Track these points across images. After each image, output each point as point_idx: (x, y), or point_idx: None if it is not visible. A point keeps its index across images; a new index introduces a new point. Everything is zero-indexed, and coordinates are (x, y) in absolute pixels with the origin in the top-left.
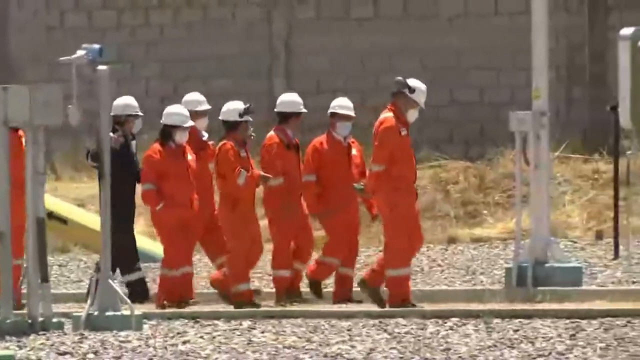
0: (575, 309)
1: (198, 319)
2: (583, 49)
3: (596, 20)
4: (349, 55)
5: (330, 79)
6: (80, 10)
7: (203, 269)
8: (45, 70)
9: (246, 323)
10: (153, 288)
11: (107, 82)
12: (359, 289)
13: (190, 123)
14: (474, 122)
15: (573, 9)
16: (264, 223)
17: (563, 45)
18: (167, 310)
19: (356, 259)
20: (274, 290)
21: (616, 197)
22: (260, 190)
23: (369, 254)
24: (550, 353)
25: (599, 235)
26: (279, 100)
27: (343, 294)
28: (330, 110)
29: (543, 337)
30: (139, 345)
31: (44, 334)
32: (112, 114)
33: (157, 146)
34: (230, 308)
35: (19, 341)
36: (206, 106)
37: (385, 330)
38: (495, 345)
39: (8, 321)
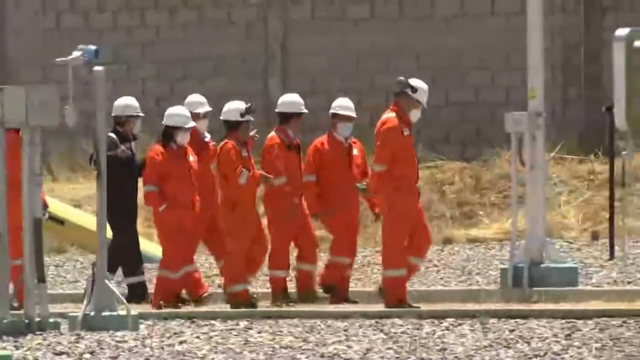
0: (571, 309)
1: (194, 319)
2: (578, 49)
3: (591, 20)
4: (345, 55)
5: (326, 79)
6: (76, 12)
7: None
8: (41, 72)
9: (243, 323)
10: (149, 288)
11: (103, 83)
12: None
13: (192, 124)
14: (470, 122)
15: (569, 10)
16: (263, 223)
17: (558, 45)
18: (164, 310)
19: (354, 259)
20: (270, 290)
21: (612, 198)
22: (260, 190)
23: (366, 255)
24: (546, 353)
25: (595, 236)
26: (280, 101)
27: (340, 294)
28: (331, 111)
29: (539, 337)
30: (136, 346)
31: (40, 334)
32: (112, 114)
33: (158, 147)
34: (227, 308)
35: (15, 341)
36: (207, 107)
37: (381, 331)
38: (491, 346)
39: (5, 321)
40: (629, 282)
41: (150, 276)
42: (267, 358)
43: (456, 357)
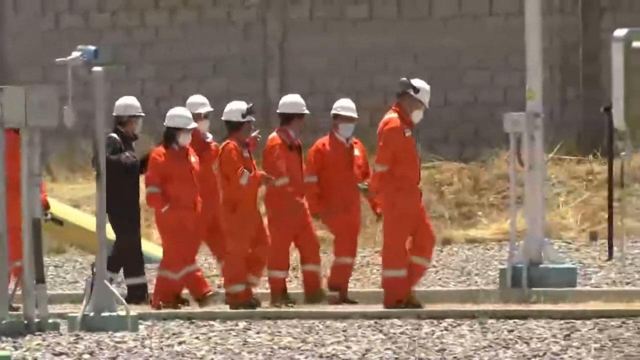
0: (570, 309)
1: (193, 320)
2: (577, 49)
3: (589, 21)
4: (343, 55)
5: (325, 79)
6: (75, 12)
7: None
8: (40, 72)
9: (242, 324)
10: (149, 288)
11: (102, 84)
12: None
13: (194, 125)
14: (468, 122)
15: (566, 10)
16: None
17: (557, 46)
18: (163, 311)
19: (354, 260)
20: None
21: (610, 199)
22: (262, 190)
23: (365, 255)
24: (545, 353)
25: (593, 236)
26: (281, 102)
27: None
28: (332, 112)
29: (538, 338)
30: (135, 346)
31: (39, 335)
32: (114, 114)
33: (160, 149)
34: (226, 309)
35: (14, 342)
36: (208, 108)
37: (380, 331)
38: (490, 346)
39: (4, 322)
40: (627, 283)
41: (150, 276)
42: (266, 358)
43: (455, 357)
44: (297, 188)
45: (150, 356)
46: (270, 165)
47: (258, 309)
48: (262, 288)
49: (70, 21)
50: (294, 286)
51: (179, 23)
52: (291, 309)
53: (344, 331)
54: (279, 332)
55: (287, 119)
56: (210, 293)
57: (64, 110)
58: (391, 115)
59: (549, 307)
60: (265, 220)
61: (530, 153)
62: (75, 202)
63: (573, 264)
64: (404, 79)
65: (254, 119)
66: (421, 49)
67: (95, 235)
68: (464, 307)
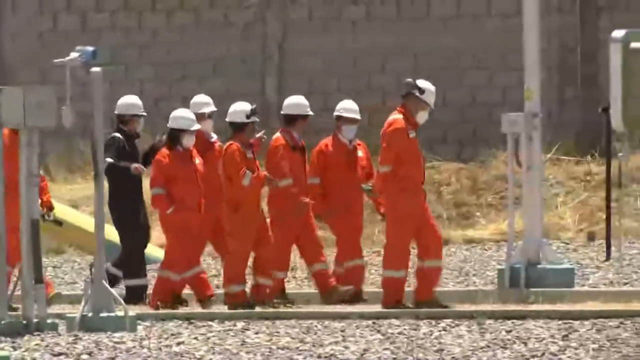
0: (568, 310)
1: (192, 320)
2: (575, 49)
3: (587, 20)
4: (342, 55)
5: (323, 79)
6: (73, 13)
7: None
8: (39, 73)
9: (240, 324)
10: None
11: (100, 84)
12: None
13: (197, 126)
14: (467, 122)
15: (565, 10)
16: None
17: (555, 46)
18: (161, 311)
19: (364, 260)
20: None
21: (608, 199)
22: (265, 191)
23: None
24: (543, 354)
25: (591, 237)
26: (285, 103)
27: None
28: (335, 113)
29: (536, 338)
30: (133, 347)
31: (38, 335)
32: (116, 112)
33: (165, 150)
34: (224, 309)
35: (13, 342)
36: (212, 108)
37: (378, 331)
38: (488, 346)
39: (3, 322)
40: (625, 283)
41: (150, 277)
42: (264, 359)
43: (453, 357)
44: (301, 189)
45: (149, 356)
46: (273, 166)
47: (256, 309)
48: None
49: (68, 22)
50: (292, 286)
51: (177, 24)
52: (289, 309)
53: (342, 331)
54: (277, 332)
55: (291, 120)
56: (213, 298)
57: (62, 111)
58: (396, 116)
59: (547, 307)
60: (268, 221)
61: (528, 153)
62: (73, 202)
63: (571, 264)
64: (409, 80)
65: (258, 120)
66: (420, 49)
67: (94, 235)
68: (462, 308)
